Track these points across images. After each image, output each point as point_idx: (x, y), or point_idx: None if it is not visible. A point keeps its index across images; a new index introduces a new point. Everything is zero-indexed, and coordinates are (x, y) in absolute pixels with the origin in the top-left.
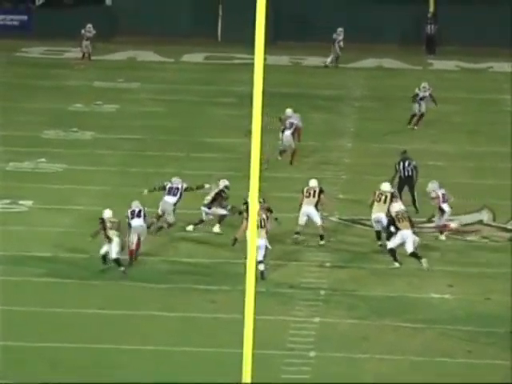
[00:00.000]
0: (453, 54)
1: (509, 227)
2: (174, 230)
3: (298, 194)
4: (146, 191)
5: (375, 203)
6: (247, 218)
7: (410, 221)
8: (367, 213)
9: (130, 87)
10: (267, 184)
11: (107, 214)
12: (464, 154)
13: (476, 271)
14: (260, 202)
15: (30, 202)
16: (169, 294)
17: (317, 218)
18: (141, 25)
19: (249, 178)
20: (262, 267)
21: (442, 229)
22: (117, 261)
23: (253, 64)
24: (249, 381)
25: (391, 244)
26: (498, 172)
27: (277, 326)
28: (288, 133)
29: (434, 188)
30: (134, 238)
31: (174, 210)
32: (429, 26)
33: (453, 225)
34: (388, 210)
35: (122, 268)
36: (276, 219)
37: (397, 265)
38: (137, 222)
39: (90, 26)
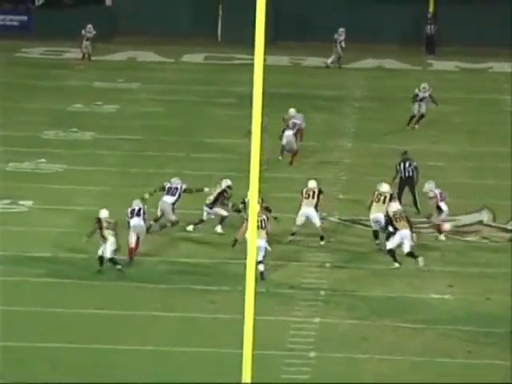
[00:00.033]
0: (453, 55)
1: (509, 227)
2: (174, 230)
3: (298, 194)
4: (146, 195)
5: (374, 203)
6: (247, 219)
7: (408, 220)
8: (367, 213)
9: (130, 87)
10: (267, 184)
11: (104, 213)
12: (464, 154)
13: (476, 271)
14: (258, 202)
15: (30, 203)
16: (169, 295)
17: (316, 220)
18: (141, 25)
19: (249, 179)
20: (261, 267)
21: (436, 228)
22: (112, 260)
23: (253, 64)
24: (249, 381)
25: (390, 244)
26: (498, 172)
27: (277, 327)
28: (290, 133)
29: (431, 187)
30: (133, 237)
31: (173, 210)
32: (429, 26)
33: (446, 226)
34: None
35: (119, 266)
36: (275, 218)
37: (396, 265)
38: (136, 221)
39: (90, 26)
